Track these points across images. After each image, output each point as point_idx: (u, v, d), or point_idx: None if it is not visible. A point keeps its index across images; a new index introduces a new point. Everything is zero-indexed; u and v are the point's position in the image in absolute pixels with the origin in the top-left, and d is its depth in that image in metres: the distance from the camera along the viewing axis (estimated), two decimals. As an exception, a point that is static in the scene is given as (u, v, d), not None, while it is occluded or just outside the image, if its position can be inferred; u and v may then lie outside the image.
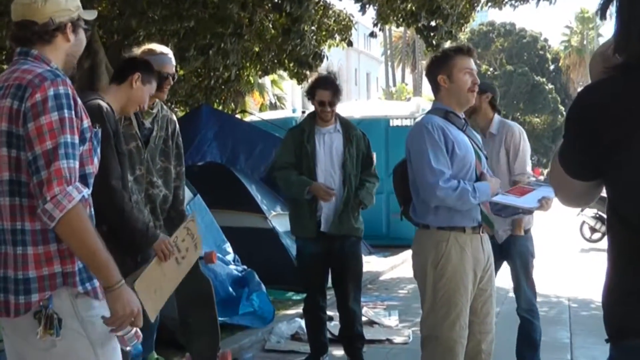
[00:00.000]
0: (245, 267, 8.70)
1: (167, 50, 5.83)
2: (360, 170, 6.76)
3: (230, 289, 8.11)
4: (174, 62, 5.81)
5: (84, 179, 2.98)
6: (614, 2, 2.12)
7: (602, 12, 2.18)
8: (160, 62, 5.55)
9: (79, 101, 3.02)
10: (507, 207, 5.00)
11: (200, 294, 5.95)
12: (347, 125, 6.89)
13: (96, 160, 3.12)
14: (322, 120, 6.80)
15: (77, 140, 2.92)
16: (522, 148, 6.07)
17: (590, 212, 18.35)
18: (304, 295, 9.78)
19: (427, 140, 4.60)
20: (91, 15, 3.36)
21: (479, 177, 4.73)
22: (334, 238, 6.67)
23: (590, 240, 18.61)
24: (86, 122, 3.02)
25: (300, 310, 8.95)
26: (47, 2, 3.09)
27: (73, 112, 2.92)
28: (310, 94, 6.83)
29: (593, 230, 18.66)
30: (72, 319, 2.96)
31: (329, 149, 6.75)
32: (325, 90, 6.69)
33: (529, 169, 6.09)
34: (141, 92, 4.97)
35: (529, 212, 5.37)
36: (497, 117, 6.24)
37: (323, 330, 7.13)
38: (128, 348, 3.16)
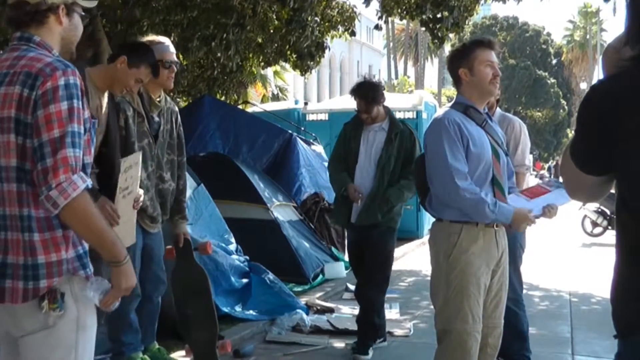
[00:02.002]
0: (247, 257, 8.69)
1: (164, 39, 5.95)
2: (400, 167, 6.96)
3: (233, 279, 8.10)
4: (173, 49, 5.91)
5: (82, 169, 3.00)
6: None
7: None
8: (160, 51, 5.66)
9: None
10: None
11: (195, 284, 6.02)
12: (393, 124, 7.15)
13: (93, 151, 3.15)
14: (364, 122, 7.17)
15: (82, 130, 2.95)
16: (522, 141, 6.07)
17: (592, 206, 18.33)
18: (305, 286, 9.85)
19: (444, 135, 4.59)
20: (90, 3, 3.39)
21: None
22: (363, 228, 7.00)
23: (591, 235, 18.59)
24: (87, 113, 3.05)
25: (301, 301, 8.96)
26: None
27: (80, 103, 2.95)
28: (353, 95, 7.24)
29: (595, 224, 18.63)
30: (68, 296, 3.02)
31: (370, 146, 7.08)
32: (359, 99, 7.11)
33: (527, 162, 6.09)
34: (125, 74, 5.12)
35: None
36: (498, 110, 6.24)
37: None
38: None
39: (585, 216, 18.84)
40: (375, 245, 7.01)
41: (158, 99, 5.82)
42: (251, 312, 8.01)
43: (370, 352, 6.99)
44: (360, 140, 7.13)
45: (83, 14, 3.32)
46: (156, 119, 5.76)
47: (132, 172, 5.00)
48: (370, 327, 7.11)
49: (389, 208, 6.90)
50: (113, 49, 10.17)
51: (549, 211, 4.76)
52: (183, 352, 6.35)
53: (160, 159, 5.81)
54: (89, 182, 2.95)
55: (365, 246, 7.07)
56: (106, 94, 5.16)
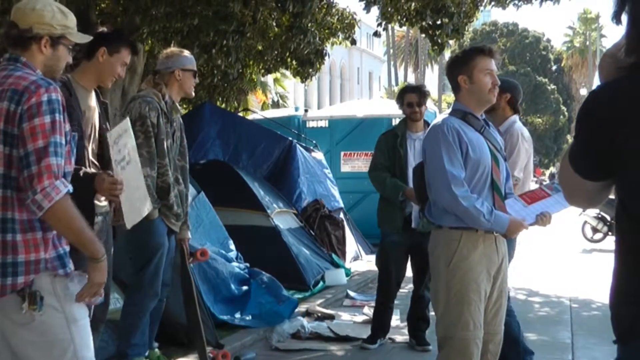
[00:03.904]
0: (247, 264, 8.70)
1: (186, 51, 6.16)
2: None
3: (233, 287, 8.10)
4: (193, 60, 6.14)
5: (63, 176, 3.28)
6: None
7: (617, 16, 2.17)
8: (190, 61, 6.02)
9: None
10: None
11: (183, 292, 6.24)
12: None
13: (73, 161, 3.42)
14: (412, 120, 7.59)
15: (64, 141, 3.25)
16: (516, 151, 6.00)
17: (592, 212, 18.32)
18: (306, 293, 9.86)
19: (442, 142, 4.60)
20: (81, 39, 3.72)
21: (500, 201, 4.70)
22: (421, 234, 6.99)
23: (591, 241, 18.58)
24: (68, 126, 3.34)
25: (302, 308, 8.97)
26: (33, 11, 3.46)
27: (62, 117, 3.26)
28: (400, 98, 7.72)
29: (595, 230, 18.64)
30: (51, 296, 3.28)
31: (418, 154, 7.17)
32: (412, 93, 7.60)
33: (517, 172, 5.96)
34: (109, 63, 5.14)
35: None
36: (512, 118, 6.19)
37: (389, 317, 7.77)
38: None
39: (585, 222, 18.84)
40: (426, 250, 7.17)
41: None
42: (250, 317, 7.99)
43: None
44: (407, 147, 7.46)
45: (71, 46, 3.63)
46: (175, 122, 5.97)
47: (123, 140, 4.96)
48: (424, 321, 7.59)
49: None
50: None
51: (541, 219, 4.76)
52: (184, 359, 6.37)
53: (176, 163, 5.99)
54: (70, 187, 3.23)
55: (417, 251, 7.25)
56: (93, 94, 5.16)
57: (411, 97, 7.54)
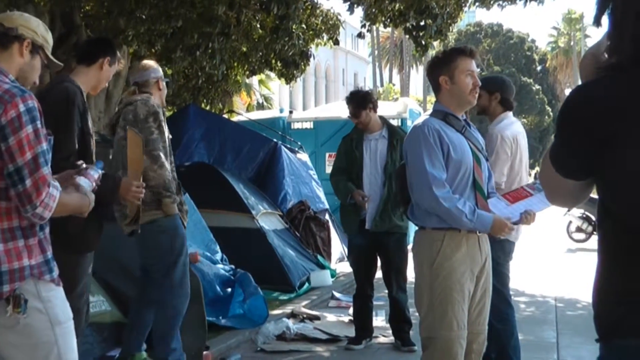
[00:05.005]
0: (233, 266, 8.69)
1: (155, 63, 6.29)
2: None
3: (218, 288, 8.09)
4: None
5: None
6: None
7: (597, 19, 2.19)
8: (160, 73, 6.14)
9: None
10: None
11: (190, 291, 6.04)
12: (393, 132, 7.62)
13: (50, 164, 3.38)
14: (361, 128, 7.61)
15: (46, 147, 3.27)
16: (494, 154, 5.93)
17: (577, 212, 18.42)
18: (291, 295, 9.86)
19: (422, 143, 4.60)
20: (56, 66, 3.85)
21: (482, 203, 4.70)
22: (378, 234, 7.38)
23: (577, 241, 18.67)
24: (44, 130, 3.32)
25: (287, 310, 8.97)
26: (21, 16, 3.60)
27: (41, 122, 3.25)
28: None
29: (580, 230, 18.72)
30: (35, 298, 3.28)
31: (374, 154, 7.50)
32: (348, 104, 7.67)
33: (496, 177, 5.81)
34: (109, 73, 5.29)
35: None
36: (500, 116, 6.19)
37: (369, 317, 7.87)
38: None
39: (570, 222, 18.92)
40: (393, 251, 7.49)
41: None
42: (234, 319, 7.99)
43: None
44: (363, 150, 7.52)
45: (46, 62, 3.71)
46: None
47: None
48: (406, 322, 7.63)
49: (402, 212, 6.96)
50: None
51: (526, 218, 4.75)
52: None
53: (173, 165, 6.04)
54: (59, 186, 3.31)
55: (380, 252, 7.60)
56: None
57: (349, 107, 7.66)
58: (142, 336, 6.15)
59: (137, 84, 6.03)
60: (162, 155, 5.66)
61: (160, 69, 6.15)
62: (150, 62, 6.22)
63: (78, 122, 4.81)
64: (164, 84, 6.10)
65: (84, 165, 3.66)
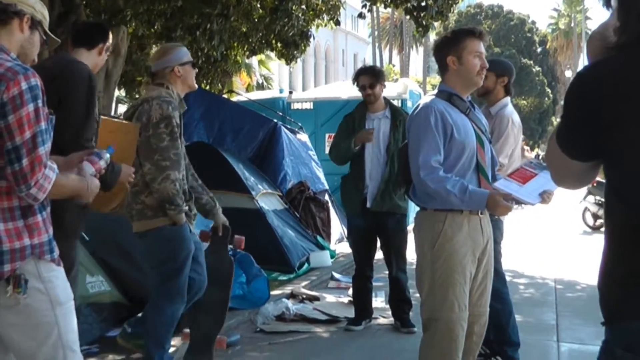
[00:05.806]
0: (231, 247, 8.66)
1: (177, 45, 6.19)
2: None
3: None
4: (187, 51, 6.05)
5: None
6: None
7: (608, 1, 2.17)
8: (185, 54, 5.90)
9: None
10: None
11: (220, 275, 6.01)
12: (396, 112, 7.69)
13: (50, 143, 3.36)
14: (367, 102, 7.65)
15: (46, 127, 3.24)
16: (504, 137, 5.98)
17: (593, 198, 18.21)
18: (290, 275, 9.85)
19: (423, 124, 4.58)
20: (54, 42, 3.81)
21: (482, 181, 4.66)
22: (379, 214, 7.38)
23: (593, 227, 18.41)
24: (46, 109, 3.28)
25: (286, 290, 8.97)
26: None
27: (42, 101, 3.21)
28: (355, 81, 7.77)
29: (596, 217, 18.44)
30: (36, 279, 3.27)
31: (377, 133, 7.49)
32: (364, 75, 7.64)
33: (502, 158, 5.88)
34: (103, 60, 5.32)
35: (531, 205, 5.19)
36: (503, 101, 6.20)
37: (368, 298, 7.89)
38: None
39: (586, 208, 18.67)
40: (393, 231, 7.51)
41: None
42: (234, 299, 7.97)
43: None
44: (365, 128, 7.51)
45: (45, 38, 3.66)
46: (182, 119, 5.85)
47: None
48: (406, 302, 7.65)
49: (403, 192, 6.94)
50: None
51: (547, 197, 4.69)
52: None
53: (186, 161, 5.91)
54: (56, 168, 3.28)
55: (380, 233, 7.61)
56: None
57: (364, 79, 7.62)
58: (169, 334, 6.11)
59: (152, 75, 5.81)
60: (169, 165, 5.40)
61: (180, 52, 5.82)
62: (167, 47, 5.97)
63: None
64: (184, 68, 5.76)
65: (95, 150, 3.66)
